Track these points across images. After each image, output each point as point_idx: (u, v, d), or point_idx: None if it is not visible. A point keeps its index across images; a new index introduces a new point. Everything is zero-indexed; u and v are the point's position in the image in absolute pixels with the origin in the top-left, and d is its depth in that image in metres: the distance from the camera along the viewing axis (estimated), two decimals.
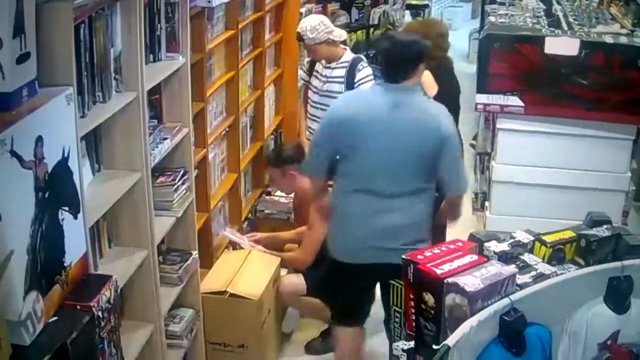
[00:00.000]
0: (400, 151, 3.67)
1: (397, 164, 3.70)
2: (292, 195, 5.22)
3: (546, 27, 5.29)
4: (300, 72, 5.55)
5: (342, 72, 5.13)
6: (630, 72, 4.59)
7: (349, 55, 5.19)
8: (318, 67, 5.25)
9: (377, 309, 4.76)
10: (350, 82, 5.10)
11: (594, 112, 4.72)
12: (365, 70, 5.12)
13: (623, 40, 4.76)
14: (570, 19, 5.58)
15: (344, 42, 5.31)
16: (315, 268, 4.54)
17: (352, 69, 5.11)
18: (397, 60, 3.72)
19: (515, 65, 4.76)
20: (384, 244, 3.74)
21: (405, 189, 3.74)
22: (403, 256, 2.54)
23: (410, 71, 3.72)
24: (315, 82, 5.26)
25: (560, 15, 5.74)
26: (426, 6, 11.99)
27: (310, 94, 5.32)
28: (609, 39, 4.75)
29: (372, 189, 3.74)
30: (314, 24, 5.01)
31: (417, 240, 3.73)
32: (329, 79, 5.16)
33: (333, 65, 5.16)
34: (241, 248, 4.72)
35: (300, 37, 5.08)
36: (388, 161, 3.70)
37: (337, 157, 3.80)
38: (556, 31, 4.99)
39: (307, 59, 5.47)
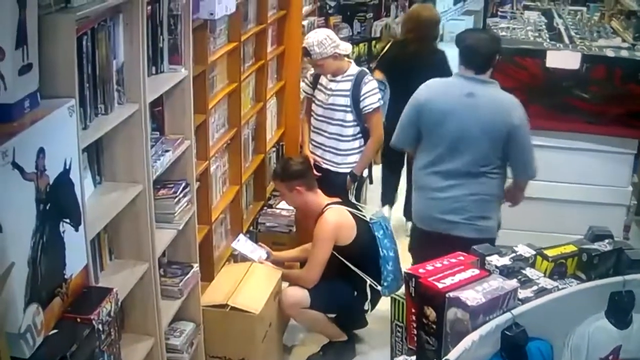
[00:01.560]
0: (471, 135, 4.11)
1: (467, 147, 4.14)
2: (296, 208, 5.21)
3: (548, 40, 5.30)
4: (302, 84, 5.54)
5: (347, 85, 5.13)
6: (632, 85, 4.61)
7: (354, 69, 5.20)
8: (322, 80, 5.25)
9: (378, 324, 4.76)
10: (356, 95, 5.10)
11: (595, 126, 4.72)
12: (371, 84, 5.14)
13: (624, 54, 4.78)
14: (572, 33, 5.60)
15: (348, 55, 5.32)
16: (319, 281, 4.54)
17: (357, 82, 5.11)
18: (476, 54, 4.17)
19: (517, 78, 4.77)
20: (449, 217, 4.23)
21: (473, 169, 4.17)
22: (405, 270, 2.54)
23: (486, 65, 4.18)
24: (319, 95, 5.26)
25: (562, 28, 5.75)
26: None
27: (314, 107, 5.32)
28: (610, 53, 4.76)
29: (443, 166, 4.22)
30: (321, 38, 5.02)
31: (480, 216, 4.23)
32: (334, 92, 5.17)
33: (338, 78, 5.16)
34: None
35: (307, 52, 5.08)
36: (459, 143, 4.16)
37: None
38: (557, 45, 5.01)
39: (310, 72, 5.47)
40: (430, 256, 3.84)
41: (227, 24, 4.70)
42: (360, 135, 5.22)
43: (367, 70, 5.34)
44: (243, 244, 4.76)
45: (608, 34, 5.78)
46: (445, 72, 5.22)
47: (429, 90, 4.31)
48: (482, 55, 4.17)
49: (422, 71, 4.85)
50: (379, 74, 5.96)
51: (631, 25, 5.84)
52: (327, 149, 5.26)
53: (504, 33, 5.58)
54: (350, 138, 5.21)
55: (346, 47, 5.17)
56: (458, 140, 4.15)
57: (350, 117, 5.15)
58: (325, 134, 5.25)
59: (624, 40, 5.53)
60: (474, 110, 4.11)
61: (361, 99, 5.09)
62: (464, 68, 4.19)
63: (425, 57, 5.71)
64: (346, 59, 5.22)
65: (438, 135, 4.21)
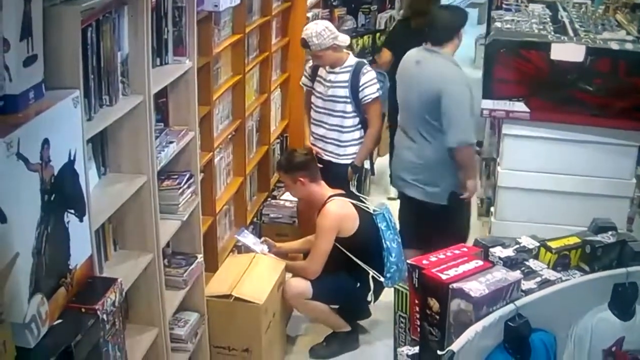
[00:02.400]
0: (412, 100, 4.66)
1: (411, 111, 4.70)
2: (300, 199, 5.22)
3: (552, 33, 5.29)
4: (303, 78, 5.54)
5: (346, 76, 5.14)
6: (636, 78, 4.59)
7: (352, 60, 5.20)
8: (321, 72, 5.25)
9: (381, 314, 4.77)
10: (354, 86, 5.11)
11: (599, 118, 4.71)
12: (369, 74, 5.15)
13: (629, 46, 4.76)
14: (576, 26, 5.58)
15: (348, 47, 5.31)
16: (322, 271, 4.55)
17: (356, 73, 5.12)
18: (432, 28, 4.75)
19: (521, 71, 4.76)
20: (403, 174, 4.81)
21: (420, 132, 4.64)
22: (409, 261, 2.55)
23: (442, 38, 4.67)
24: (319, 87, 5.26)
25: (566, 21, 5.73)
26: None
27: (314, 99, 5.32)
28: (614, 46, 4.75)
29: (403, 128, 4.84)
30: (319, 29, 5.02)
31: (427, 182, 4.67)
32: (334, 84, 5.17)
33: (337, 70, 5.17)
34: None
35: (305, 44, 5.09)
36: (407, 107, 4.76)
37: None
38: (562, 37, 4.99)
39: (308, 65, 5.47)
40: (402, 217, 4.67)
41: (232, 15, 4.70)
42: (360, 126, 5.23)
43: (366, 62, 5.34)
44: (246, 237, 4.77)
45: (613, 26, 5.76)
46: None
47: (402, 61, 4.94)
48: (436, 29, 4.72)
49: None
50: (386, 53, 6.20)
51: (636, 18, 5.80)
52: (329, 140, 5.26)
53: (508, 25, 5.56)
54: (351, 129, 5.22)
55: (344, 39, 5.17)
56: (406, 104, 4.77)
57: (350, 108, 5.16)
58: (327, 126, 5.25)
59: (628, 33, 5.50)
60: (417, 76, 4.66)
61: (360, 89, 5.10)
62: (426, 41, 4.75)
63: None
64: (345, 50, 5.22)
65: (400, 100, 4.89)
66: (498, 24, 5.60)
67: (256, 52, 5.35)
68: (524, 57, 4.75)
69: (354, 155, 5.26)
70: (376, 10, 8.01)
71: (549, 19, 5.97)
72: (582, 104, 4.71)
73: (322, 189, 4.67)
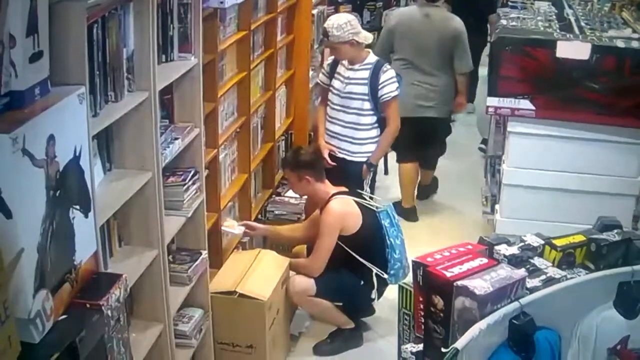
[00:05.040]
0: (429, 43, 6.01)
1: (431, 53, 6.03)
2: (304, 196, 5.23)
3: (558, 31, 5.28)
4: (320, 75, 5.56)
5: (365, 73, 5.16)
6: None
7: (372, 58, 5.23)
8: (340, 69, 5.28)
9: (386, 312, 4.78)
10: (374, 84, 5.14)
11: (604, 117, 4.72)
12: (389, 72, 5.20)
13: (635, 44, 4.76)
14: (582, 23, 5.57)
15: (369, 46, 5.34)
16: (325, 270, 4.55)
17: (376, 71, 5.15)
18: None
19: (527, 68, 4.76)
20: (420, 102, 6.08)
21: (436, 67, 6.07)
22: (413, 258, 2.55)
23: None
24: (336, 83, 5.29)
25: (572, 19, 5.73)
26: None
27: (330, 96, 5.34)
28: (620, 44, 4.75)
29: (417, 68, 6.09)
30: (341, 22, 5.07)
31: (440, 103, 6.15)
32: (352, 81, 5.20)
33: (356, 67, 5.20)
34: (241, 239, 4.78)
35: (325, 33, 5.15)
36: (425, 51, 6.04)
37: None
38: (568, 35, 4.99)
39: (327, 62, 5.50)
40: (403, 137, 5.62)
41: (237, 12, 4.70)
42: (376, 124, 5.25)
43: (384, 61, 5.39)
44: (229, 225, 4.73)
45: (618, 24, 5.75)
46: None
47: (398, 17, 6.33)
48: None
49: None
50: None
51: None
52: (344, 138, 5.28)
53: (514, 23, 5.56)
54: (367, 127, 5.24)
55: (366, 36, 5.20)
56: (422, 49, 6.03)
57: (367, 105, 5.18)
58: (342, 123, 5.27)
59: (634, 31, 5.49)
60: (430, 26, 6.02)
61: (380, 87, 5.13)
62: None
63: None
64: (366, 48, 5.24)
65: (413, 46, 6.06)
66: (504, 22, 5.60)
67: (261, 49, 5.35)
68: (530, 54, 4.75)
69: (369, 153, 5.28)
70: (381, 7, 8.03)
71: (554, 17, 5.96)
72: (587, 102, 4.71)
73: (326, 188, 4.67)
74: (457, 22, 6.06)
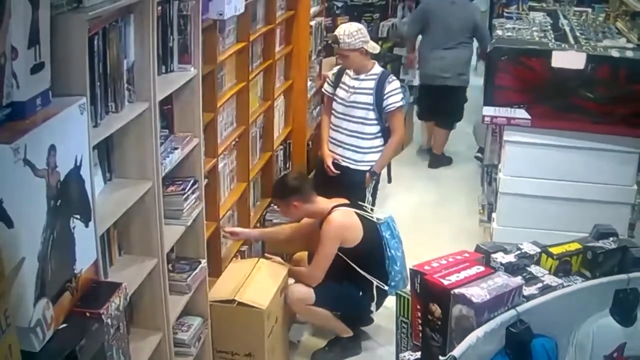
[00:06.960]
0: (454, 26, 7.50)
1: (455, 32, 7.52)
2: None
3: (553, 41, 5.32)
4: (325, 85, 5.60)
5: (371, 84, 5.22)
6: (636, 85, 4.62)
7: (377, 69, 5.31)
8: (345, 78, 5.33)
9: (383, 320, 4.79)
10: (379, 93, 5.20)
11: (600, 125, 4.74)
12: (395, 83, 5.27)
13: (629, 54, 4.79)
14: (577, 33, 5.61)
15: (375, 57, 5.39)
16: (325, 279, 4.56)
17: (381, 81, 5.22)
18: None
19: (522, 78, 4.79)
20: (443, 73, 7.59)
21: (458, 43, 7.56)
22: (410, 267, 2.56)
23: None
24: (341, 93, 5.34)
25: (567, 29, 5.77)
26: None
27: (334, 105, 5.39)
28: (615, 53, 4.78)
29: (440, 44, 7.60)
30: (352, 30, 5.16)
31: (460, 73, 7.65)
32: (357, 90, 5.25)
33: (362, 76, 5.25)
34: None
35: (336, 40, 5.21)
36: (449, 30, 7.51)
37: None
38: (563, 45, 5.03)
39: (332, 72, 5.54)
40: (427, 101, 8.01)
41: (236, 24, 4.72)
42: (380, 134, 5.29)
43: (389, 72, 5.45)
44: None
45: (613, 34, 5.79)
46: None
47: (429, 4, 7.74)
48: None
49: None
50: None
51: (636, 26, 5.82)
52: (347, 146, 5.33)
53: (510, 33, 5.60)
54: (371, 136, 5.29)
55: (374, 46, 5.26)
56: (447, 29, 7.47)
57: (372, 114, 5.23)
58: (346, 132, 5.31)
59: (629, 41, 5.53)
60: (455, 11, 7.47)
61: (385, 97, 5.19)
62: None
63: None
64: (372, 60, 5.28)
65: (440, 25, 7.52)
66: (499, 32, 5.64)
67: (260, 59, 5.37)
68: (525, 64, 4.78)
69: (372, 163, 5.32)
70: (378, 19, 8.06)
71: (549, 27, 6.01)
72: (583, 111, 4.73)
73: (320, 204, 4.66)
74: (477, 11, 7.78)
